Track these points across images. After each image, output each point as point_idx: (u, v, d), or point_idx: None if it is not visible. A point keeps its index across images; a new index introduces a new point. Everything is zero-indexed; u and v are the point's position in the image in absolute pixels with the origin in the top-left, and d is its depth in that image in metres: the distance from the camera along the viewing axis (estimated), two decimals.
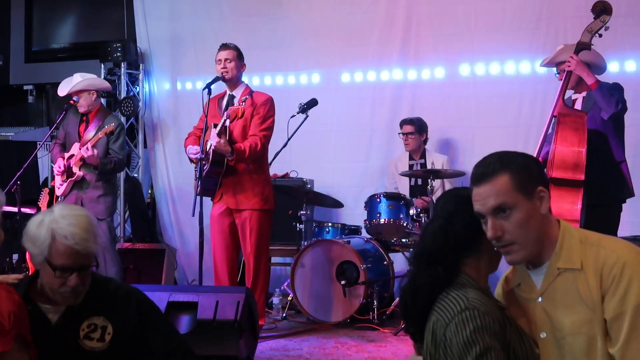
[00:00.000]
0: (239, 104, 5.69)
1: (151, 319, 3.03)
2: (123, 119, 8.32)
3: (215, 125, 5.72)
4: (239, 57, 5.95)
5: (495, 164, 2.30)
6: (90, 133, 6.56)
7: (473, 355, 2.22)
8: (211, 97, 5.86)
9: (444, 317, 2.35)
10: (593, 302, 2.19)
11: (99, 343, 2.84)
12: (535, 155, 5.17)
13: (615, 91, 5.12)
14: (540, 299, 2.32)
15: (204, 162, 5.71)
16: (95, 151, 6.40)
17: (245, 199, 5.85)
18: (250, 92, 5.92)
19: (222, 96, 6.04)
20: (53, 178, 8.27)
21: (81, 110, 6.70)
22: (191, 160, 5.91)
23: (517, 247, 2.26)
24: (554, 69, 5.59)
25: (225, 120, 5.67)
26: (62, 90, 6.75)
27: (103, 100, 8.50)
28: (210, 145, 5.71)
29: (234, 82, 5.96)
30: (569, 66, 5.12)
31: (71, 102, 6.60)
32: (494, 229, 2.26)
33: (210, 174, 5.77)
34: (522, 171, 2.26)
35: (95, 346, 2.84)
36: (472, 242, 2.42)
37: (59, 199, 6.69)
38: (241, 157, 5.72)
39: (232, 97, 5.95)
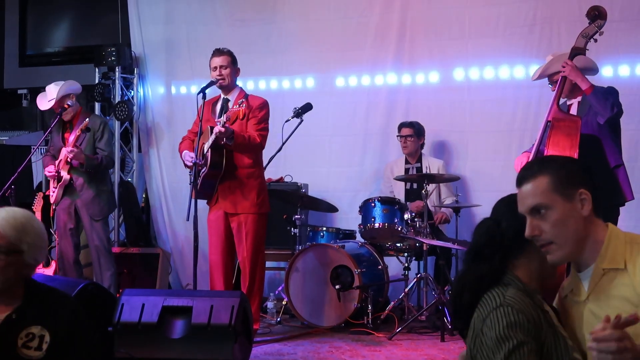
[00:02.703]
0: (238, 106, 5.67)
1: (79, 334, 2.99)
2: (117, 123, 8.32)
3: (212, 129, 5.71)
4: (234, 62, 5.96)
5: (535, 166, 2.39)
6: (74, 136, 6.58)
7: (505, 350, 2.26)
8: (205, 100, 5.88)
9: (481, 312, 2.41)
10: (638, 296, 2.22)
11: (37, 352, 2.85)
12: (530, 159, 5.19)
13: (610, 95, 5.14)
14: (587, 301, 2.36)
15: (200, 167, 5.71)
16: (77, 149, 6.40)
17: (241, 202, 5.85)
18: (245, 95, 5.92)
19: (216, 100, 6.04)
20: (47, 184, 8.29)
21: (67, 118, 6.69)
22: (186, 165, 5.90)
23: (555, 247, 2.33)
24: (546, 79, 5.59)
25: (224, 123, 5.64)
26: (44, 105, 6.73)
27: (97, 105, 8.51)
28: (208, 150, 5.70)
29: (229, 87, 5.97)
30: (564, 71, 5.14)
31: (65, 105, 6.60)
32: (531, 227, 2.34)
33: (208, 177, 5.76)
34: (562, 173, 2.32)
35: (33, 355, 2.85)
36: (520, 244, 2.46)
37: (53, 207, 6.69)
38: (241, 142, 5.69)
39: (226, 101, 5.95)
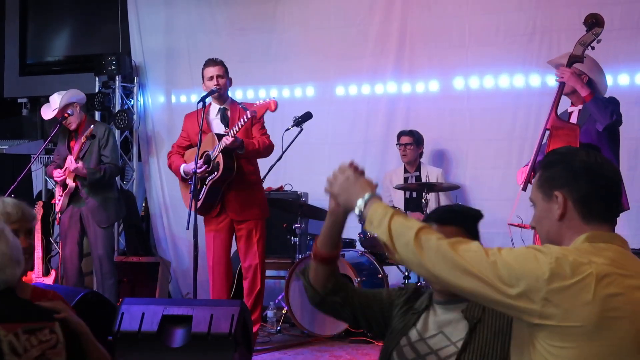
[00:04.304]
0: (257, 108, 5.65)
1: None
2: (117, 132, 8.32)
3: (219, 136, 5.72)
4: (227, 72, 6.00)
5: (543, 158, 2.34)
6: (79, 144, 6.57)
7: None
8: (187, 113, 6.11)
9: None
10: None
11: None
12: (529, 168, 5.19)
13: (610, 104, 5.15)
14: None
15: (204, 174, 5.71)
16: (80, 163, 6.39)
17: (250, 209, 5.90)
18: (240, 103, 5.97)
19: (206, 111, 5.99)
20: (48, 191, 8.29)
21: (73, 127, 6.67)
22: (184, 178, 5.90)
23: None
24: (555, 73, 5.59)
25: (235, 133, 5.63)
26: (48, 114, 6.72)
27: (98, 114, 8.52)
28: (217, 155, 5.69)
29: (225, 97, 5.99)
30: (562, 77, 5.15)
31: (66, 114, 6.58)
32: (532, 216, 2.31)
33: (216, 184, 5.76)
34: (546, 172, 2.25)
35: None
36: None
37: (59, 215, 6.67)
38: (252, 149, 5.75)
39: (225, 110, 5.96)
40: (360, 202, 2.24)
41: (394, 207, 2.23)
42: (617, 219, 5.15)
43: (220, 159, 5.71)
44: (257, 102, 5.64)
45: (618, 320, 1.97)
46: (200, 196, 5.78)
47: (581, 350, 1.98)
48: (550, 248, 2.04)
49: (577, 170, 2.19)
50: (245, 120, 5.58)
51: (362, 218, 2.23)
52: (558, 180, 2.20)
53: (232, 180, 5.81)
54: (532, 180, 2.31)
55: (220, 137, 5.74)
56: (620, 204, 2.32)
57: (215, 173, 5.74)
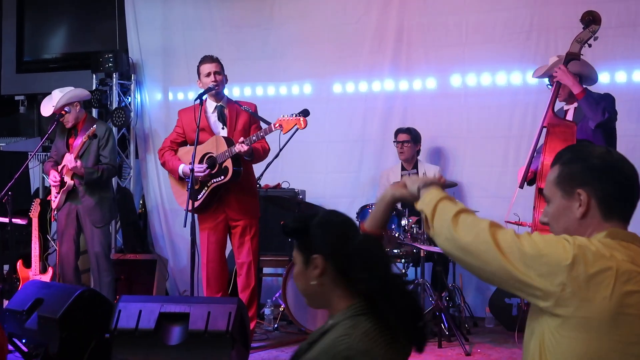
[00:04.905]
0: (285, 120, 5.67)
1: None
2: (115, 130, 8.31)
3: (228, 140, 5.72)
4: (223, 69, 5.99)
5: (559, 154, 2.30)
6: (79, 142, 6.54)
7: None
8: (182, 109, 6.08)
9: None
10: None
11: None
12: (525, 166, 5.19)
13: (602, 100, 5.14)
14: None
15: (206, 177, 5.72)
16: (79, 162, 6.38)
17: (247, 209, 5.92)
18: (237, 102, 5.98)
19: (203, 109, 5.98)
20: (46, 190, 8.27)
21: (69, 125, 6.64)
22: (182, 178, 5.90)
23: None
24: (546, 79, 5.61)
25: (251, 142, 5.64)
26: (46, 111, 6.68)
27: (95, 111, 8.50)
28: (225, 160, 5.70)
29: (221, 94, 5.98)
30: (556, 76, 5.16)
31: (63, 112, 6.56)
32: (543, 213, 2.31)
33: (220, 187, 5.77)
34: (566, 168, 2.21)
35: None
36: None
37: (55, 212, 6.66)
38: (257, 155, 5.83)
39: (222, 108, 5.95)
40: (422, 186, 2.38)
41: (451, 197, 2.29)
42: None
43: (229, 163, 5.72)
44: (285, 116, 5.63)
45: (632, 317, 1.99)
46: (199, 197, 5.78)
47: (590, 342, 1.99)
48: (577, 238, 2.05)
49: (599, 168, 2.17)
50: (268, 132, 5.62)
51: (417, 198, 2.38)
52: (580, 178, 2.17)
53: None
54: (548, 176, 2.28)
55: (229, 142, 5.74)
56: (637, 202, 2.26)
57: (222, 177, 5.74)
